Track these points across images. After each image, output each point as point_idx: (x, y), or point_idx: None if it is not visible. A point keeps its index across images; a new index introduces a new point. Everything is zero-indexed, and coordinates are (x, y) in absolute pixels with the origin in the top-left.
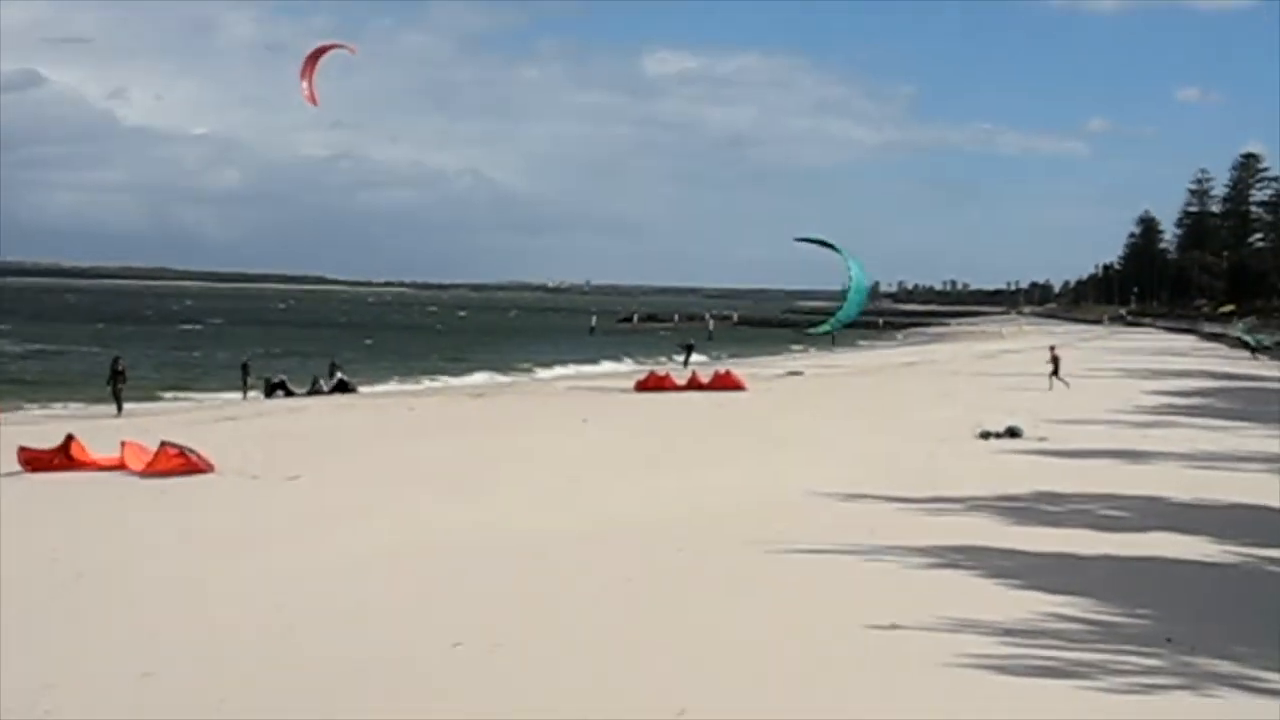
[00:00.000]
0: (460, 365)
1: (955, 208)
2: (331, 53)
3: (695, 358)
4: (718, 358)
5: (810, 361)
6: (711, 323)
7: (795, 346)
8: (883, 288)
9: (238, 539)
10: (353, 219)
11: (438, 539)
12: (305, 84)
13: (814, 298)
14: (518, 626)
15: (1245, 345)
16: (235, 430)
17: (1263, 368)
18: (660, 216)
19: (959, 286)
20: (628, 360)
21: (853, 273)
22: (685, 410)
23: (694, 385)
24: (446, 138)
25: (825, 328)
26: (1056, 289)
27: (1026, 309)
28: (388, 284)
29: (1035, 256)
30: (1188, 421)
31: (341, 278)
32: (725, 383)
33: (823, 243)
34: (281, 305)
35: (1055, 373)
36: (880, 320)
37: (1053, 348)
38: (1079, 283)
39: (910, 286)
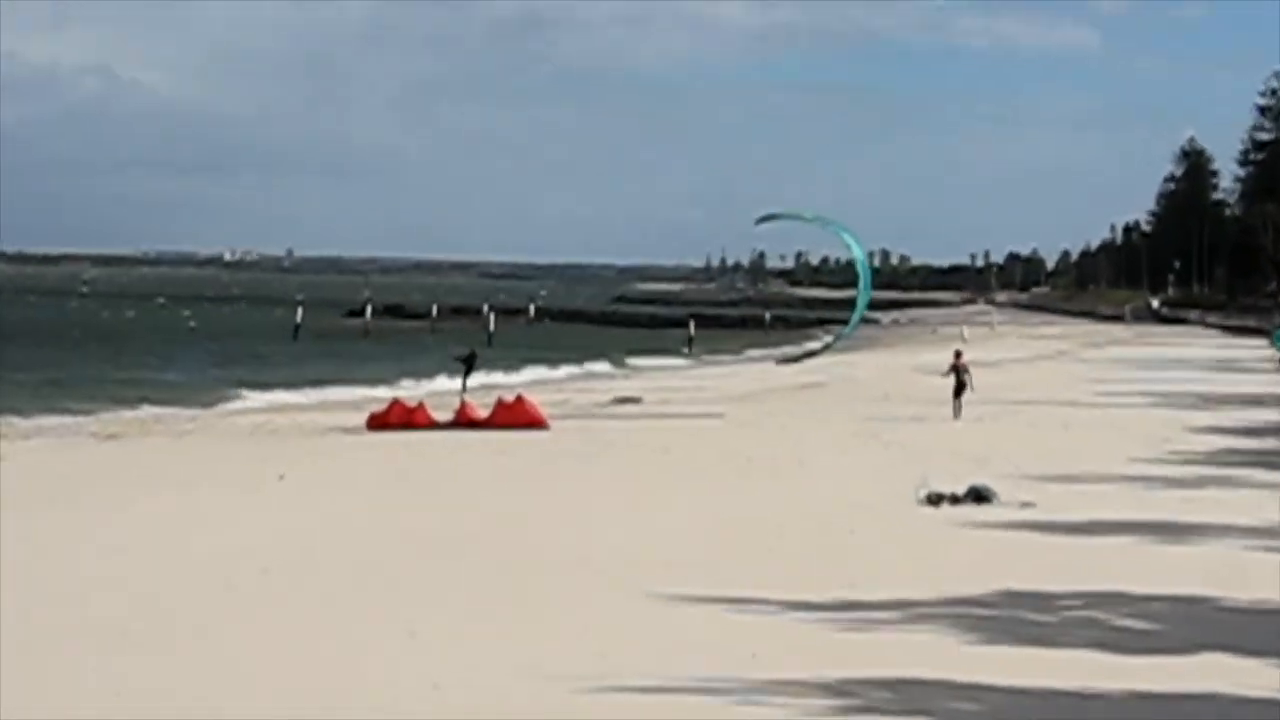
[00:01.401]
0: (85, 389)
1: (886, 137)
2: None
3: (488, 379)
4: (525, 365)
5: (651, 381)
6: (492, 319)
7: (608, 362)
8: (769, 262)
9: None
10: None
11: None
12: None
13: (658, 275)
14: None
15: None
16: None
17: None
18: (408, 149)
19: (894, 262)
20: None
21: (855, 253)
22: (447, 460)
23: (464, 420)
24: (61, 16)
25: (823, 343)
26: (1050, 264)
27: (1001, 295)
28: None
29: (1015, 214)
30: (1257, 477)
31: None
32: (515, 417)
33: (795, 217)
34: None
35: (959, 393)
36: (765, 315)
37: (957, 353)
38: (1085, 255)
39: (814, 262)
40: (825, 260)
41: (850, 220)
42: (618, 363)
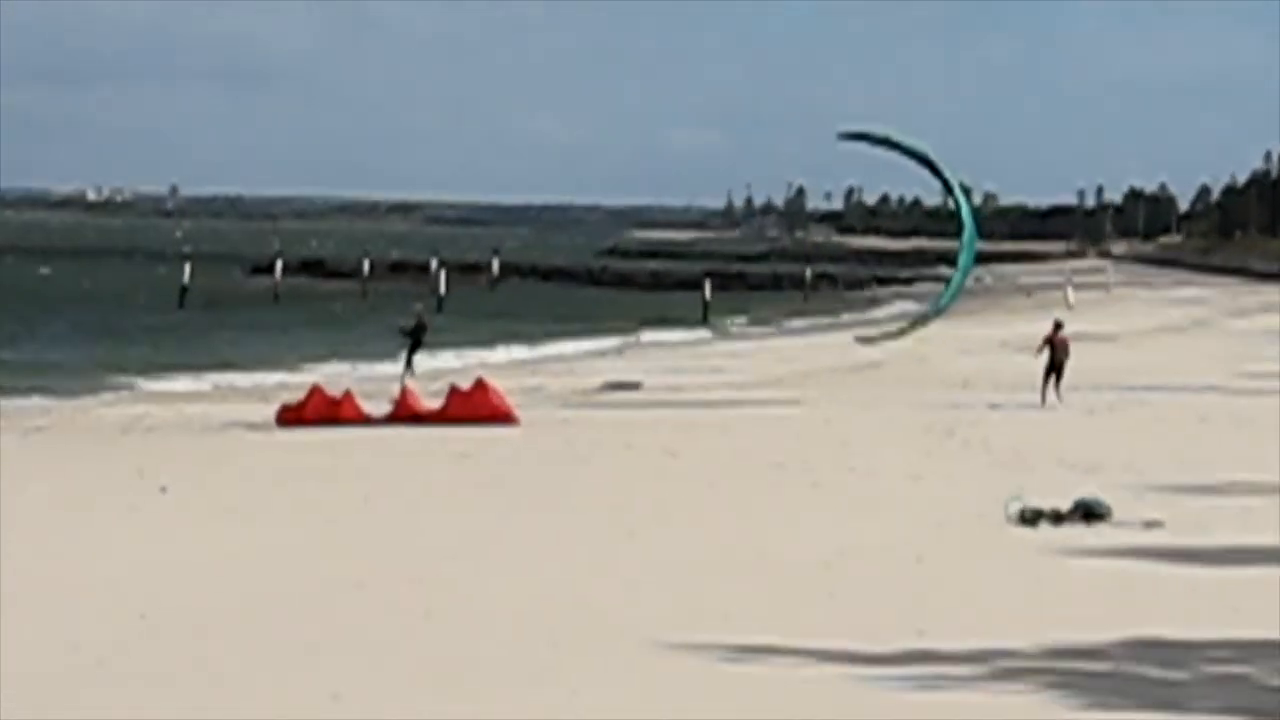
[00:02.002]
0: None
1: (968, 32)
2: None
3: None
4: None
5: (653, 360)
6: (443, 279)
7: (596, 335)
8: (810, 202)
9: None
10: None
11: None
12: None
13: (663, 221)
14: None
15: None
16: None
17: None
18: (329, 54)
19: (977, 201)
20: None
21: (962, 208)
22: (382, 468)
23: (406, 414)
24: None
25: (914, 318)
26: (1183, 204)
27: (1118, 246)
28: None
29: (1137, 137)
30: None
31: None
32: (473, 409)
33: (890, 143)
34: None
35: (1054, 376)
36: (806, 273)
37: (1057, 324)
38: (1231, 193)
39: (869, 200)
40: (885, 199)
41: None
42: (610, 336)
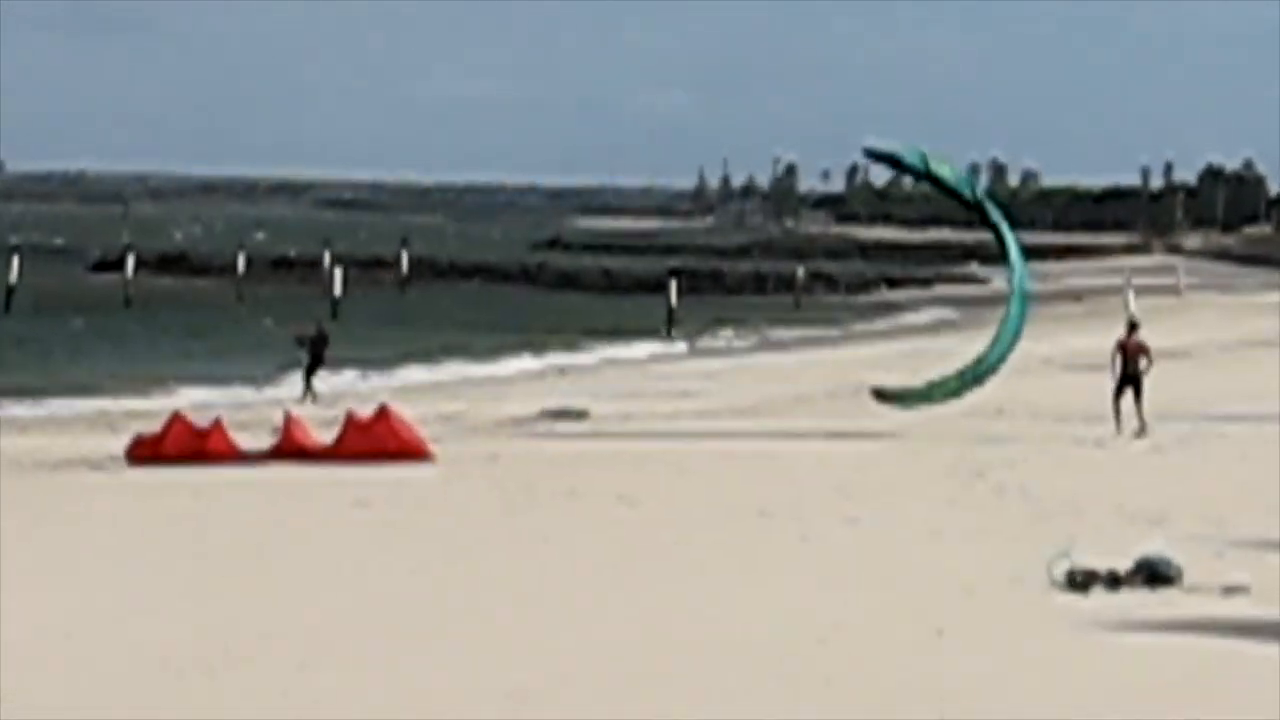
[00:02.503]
0: None
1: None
2: None
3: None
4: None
5: (605, 382)
6: (339, 277)
7: (532, 350)
8: (802, 185)
9: None
10: None
11: None
12: None
13: (617, 206)
14: None
15: None
16: None
17: None
18: None
19: (1012, 183)
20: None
21: (1011, 253)
22: (257, 520)
23: (292, 449)
24: None
25: (944, 388)
26: (1274, 188)
27: (1192, 239)
28: None
29: (1215, 103)
30: None
31: None
32: (376, 443)
33: (929, 176)
34: None
35: (1130, 391)
36: (798, 271)
37: (1132, 324)
38: None
39: (880, 182)
40: (897, 180)
41: (938, 115)
42: (549, 351)
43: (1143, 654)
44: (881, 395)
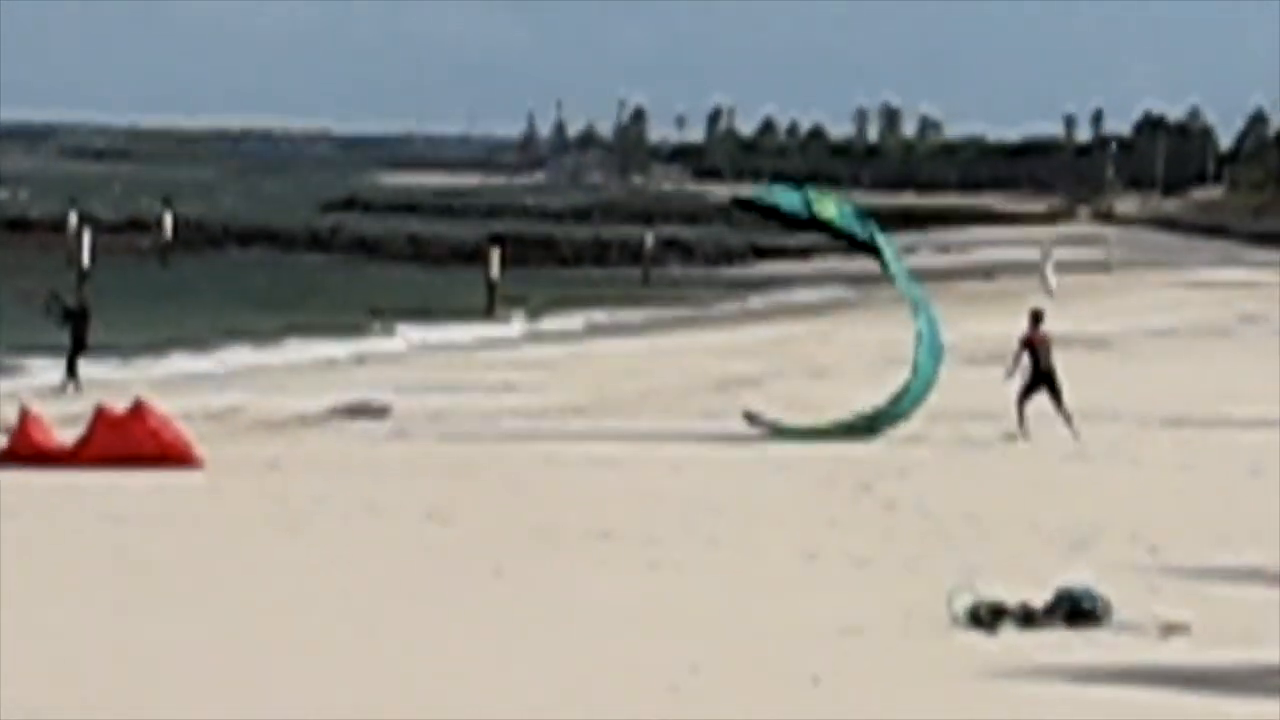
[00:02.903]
0: None
1: None
2: None
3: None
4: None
5: (412, 370)
6: (87, 242)
7: (320, 333)
8: (652, 133)
9: None
10: None
11: None
12: None
13: (425, 158)
14: None
15: None
16: None
17: None
18: None
19: (908, 132)
20: None
21: (920, 319)
22: None
23: (26, 452)
24: None
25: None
26: (1225, 141)
27: (1125, 203)
28: None
29: (1151, 37)
30: None
31: None
32: (131, 445)
33: (809, 220)
34: None
35: (1046, 394)
36: (646, 239)
37: (1035, 316)
38: None
39: (747, 129)
40: (768, 127)
41: (815, 48)
42: (343, 334)
43: (1061, 706)
44: (758, 421)
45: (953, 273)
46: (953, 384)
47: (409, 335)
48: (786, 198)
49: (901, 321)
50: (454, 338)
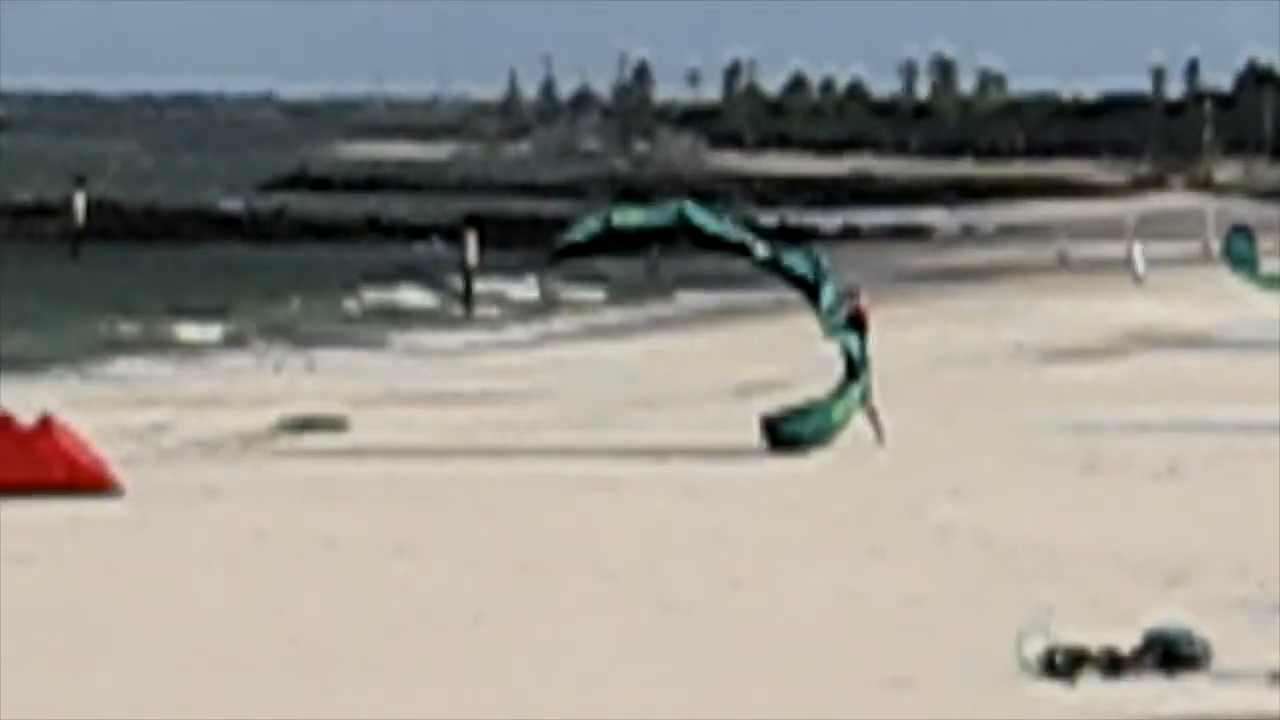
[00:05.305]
0: None
1: None
2: None
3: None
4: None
5: (370, 378)
6: None
7: (266, 334)
8: (659, 93)
9: None
10: None
11: None
12: None
13: (390, 124)
14: None
15: None
16: None
17: None
18: None
19: (964, 88)
20: None
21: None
22: None
23: None
24: None
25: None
26: None
27: (1227, 169)
28: None
29: None
30: None
31: None
32: (38, 469)
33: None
34: None
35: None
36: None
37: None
38: None
39: (773, 87)
40: (798, 83)
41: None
42: (290, 335)
43: None
44: (772, 424)
45: (1017, 249)
46: (1019, 383)
47: (369, 336)
48: (582, 228)
49: (943, 312)
50: (421, 339)
